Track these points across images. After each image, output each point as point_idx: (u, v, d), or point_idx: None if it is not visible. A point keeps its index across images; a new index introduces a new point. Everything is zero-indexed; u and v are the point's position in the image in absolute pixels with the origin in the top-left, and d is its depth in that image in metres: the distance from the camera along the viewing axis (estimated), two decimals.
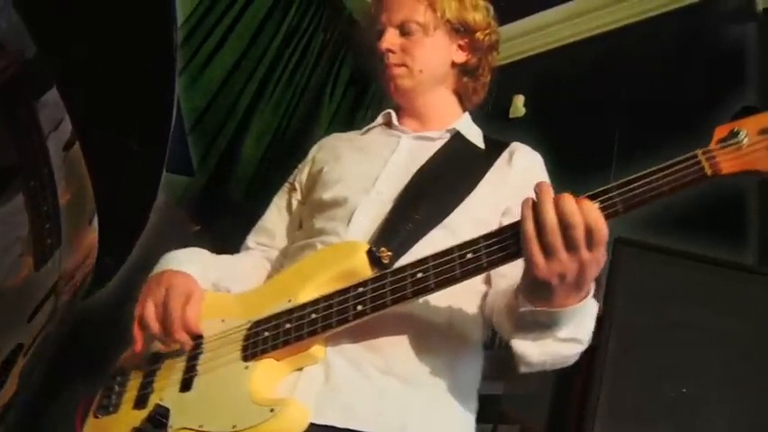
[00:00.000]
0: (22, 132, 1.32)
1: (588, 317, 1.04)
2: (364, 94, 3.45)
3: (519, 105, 3.30)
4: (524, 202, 0.94)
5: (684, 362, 1.65)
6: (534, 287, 0.95)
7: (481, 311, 1.23)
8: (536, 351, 1.03)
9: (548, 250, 0.90)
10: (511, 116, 3.28)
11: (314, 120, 3.14)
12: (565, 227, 0.89)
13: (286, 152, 2.92)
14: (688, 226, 2.05)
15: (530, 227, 0.92)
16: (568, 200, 0.90)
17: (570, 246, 0.89)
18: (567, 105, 3.07)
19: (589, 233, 0.89)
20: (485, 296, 1.23)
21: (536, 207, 0.92)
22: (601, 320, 1.80)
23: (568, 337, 1.01)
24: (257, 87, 2.85)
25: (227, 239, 2.57)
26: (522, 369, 1.07)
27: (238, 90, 2.76)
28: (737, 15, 2.75)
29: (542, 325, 1.00)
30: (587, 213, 0.89)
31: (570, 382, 1.86)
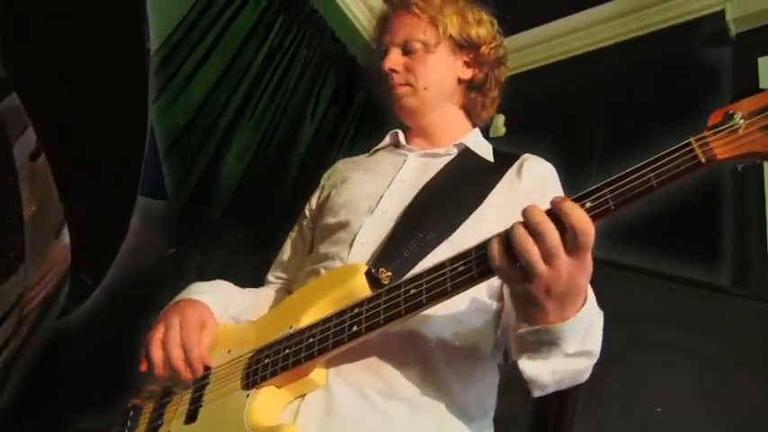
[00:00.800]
0: None
1: (594, 326, 1.01)
2: (346, 113, 3.46)
3: (499, 125, 3.32)
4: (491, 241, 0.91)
5: (659, 382, 1.66)
6: (523, 307, 0.93)
7: (494, 330, 1.19)
8: (547, 371, 1.00)
9: (524, 271, 0.88)
10: (491, 135, 3.30)
11: (296, 138, 3.14)
12: (535, 238, 0.86)
13: (267, 170, 2.92)
14: (663, 246, 2.07)
15: (497, 260, 0.90)
16: (533, 210, 0.88)
17: (546, 256, 0.86)
18: (547, 126, 3.11)
19: (573, 235, 0.85)
20: (498, 314, 1.20)
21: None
22: None
23: (578, 351, 0.98)
24: (239, 105, 2.85)
25: (206, 261, 2.59)
26: (536, 393, 1.04)
27: (220, 107, 2.75)
28: (712, 40, 2.80)
29: (547, 343, 0.96)
30: (569, 214, 0.86)
31: (546, 402, 1.86)
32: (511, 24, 3.33)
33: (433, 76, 1.46)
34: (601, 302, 1.77)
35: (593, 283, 1.80)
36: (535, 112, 3.19)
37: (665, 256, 1.98)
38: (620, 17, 3.16)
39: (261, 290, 1.50)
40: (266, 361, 1.08)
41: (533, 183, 1.33)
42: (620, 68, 3.02)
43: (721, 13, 2.83)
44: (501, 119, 3.32)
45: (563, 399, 1.68)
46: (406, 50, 1.45)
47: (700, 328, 1.73)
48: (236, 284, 1.46)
